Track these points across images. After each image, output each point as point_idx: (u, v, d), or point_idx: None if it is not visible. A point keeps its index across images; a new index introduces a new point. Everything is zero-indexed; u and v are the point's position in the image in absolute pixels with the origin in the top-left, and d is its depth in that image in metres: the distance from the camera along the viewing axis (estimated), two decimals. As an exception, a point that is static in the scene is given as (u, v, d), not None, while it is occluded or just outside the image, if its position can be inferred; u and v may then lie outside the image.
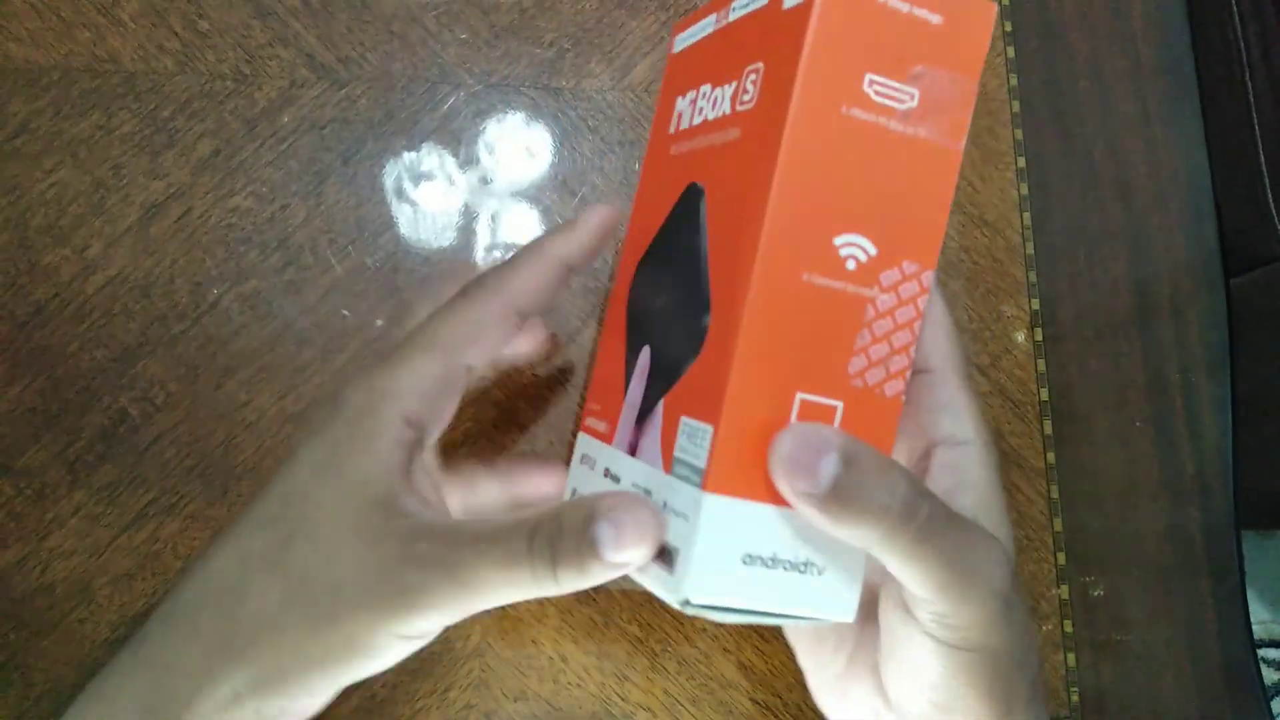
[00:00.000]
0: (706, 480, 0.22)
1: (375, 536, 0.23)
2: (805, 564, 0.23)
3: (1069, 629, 0.41)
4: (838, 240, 0.23)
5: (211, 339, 0.41)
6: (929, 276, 0.24)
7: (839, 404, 0.23)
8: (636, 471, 0.26)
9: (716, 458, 0.22)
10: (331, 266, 0.42)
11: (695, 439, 0.23)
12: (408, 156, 0.43)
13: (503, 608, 0.39)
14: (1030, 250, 0.45)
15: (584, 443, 0.30)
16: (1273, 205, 0.68)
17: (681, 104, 0.29)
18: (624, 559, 0.22)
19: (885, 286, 0.23)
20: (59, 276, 0.41)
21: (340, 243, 0.42)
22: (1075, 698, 0.40)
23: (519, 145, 0.44)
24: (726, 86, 0.26)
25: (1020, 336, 0.44)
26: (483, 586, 0.22)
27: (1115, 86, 0.47)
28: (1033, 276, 0.44)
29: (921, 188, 0.23)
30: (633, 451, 0.26)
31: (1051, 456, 0.43)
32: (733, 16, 0.26)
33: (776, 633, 0.39)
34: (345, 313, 0.42)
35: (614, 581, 0.39)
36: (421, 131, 0.44)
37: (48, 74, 0.43)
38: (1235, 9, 0.71)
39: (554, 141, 0.44)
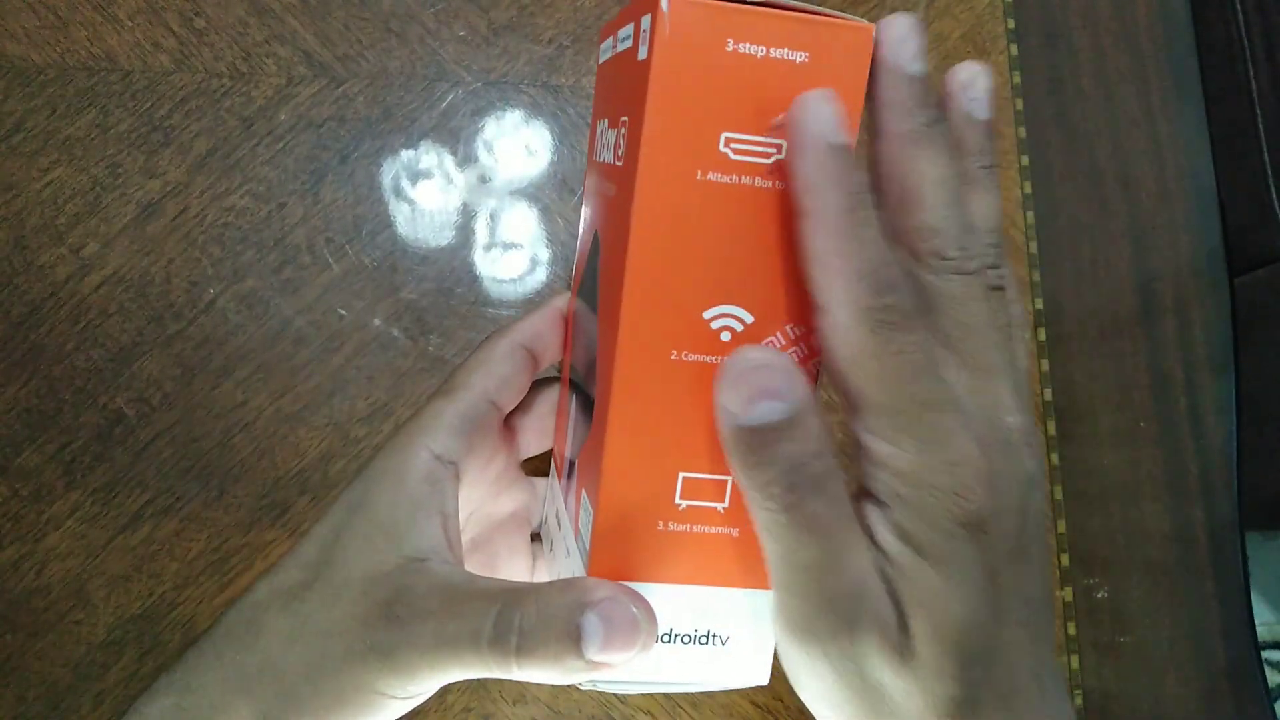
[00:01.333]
0: (590, 565, 0.21)
1: (376, 584, 0.23)
2: (708, 635, 0.22)
3: (1072, 631, 0.41)
4: (708, 314, 0.20)
5: (208, 339, 0.41)
6: (806, 340, 0.21)
7: (728, 479, 0.21)
8: (567, 528, 0.25)
9: (597, 543, 0.21)
10: (329, 265, 0.42)
11: (586, 518, 0.22)
12: (406, 154, 0.43)
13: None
14: (1033, 249, 0.45)
15: (552, 471, 0.30)
16: (1276, 203, 0.67)
17: (599, 130, 0.26)
18: (607, 660, 0.20)
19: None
20: (55, 276, 0.41)
21: (338, 242, 0.42)
22: (1079, 700, 0.40)
23: (518, 143, 0.44)
24: (613, 131, 0.23)
25: (1023, 336, 0.43)
26: (439, 670, 0.22)
27: (1118, 85, 0.47)
28: (1036, 275, 0.44)
29: (771, 239, 0.20)
30: (565, 502, 0.26)
31: (1055, 457, 0.42)
32: (619, 47, 0.23)
33: (777, 635, 0.39)
34: (342, 312, 0.41)
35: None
36: (419, 129, 0.43)
37: (44, 72, 0.42)
38: (1239, 7, 0.71)
39: (553, 139, 0.44)
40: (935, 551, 0.19)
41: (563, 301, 0.29)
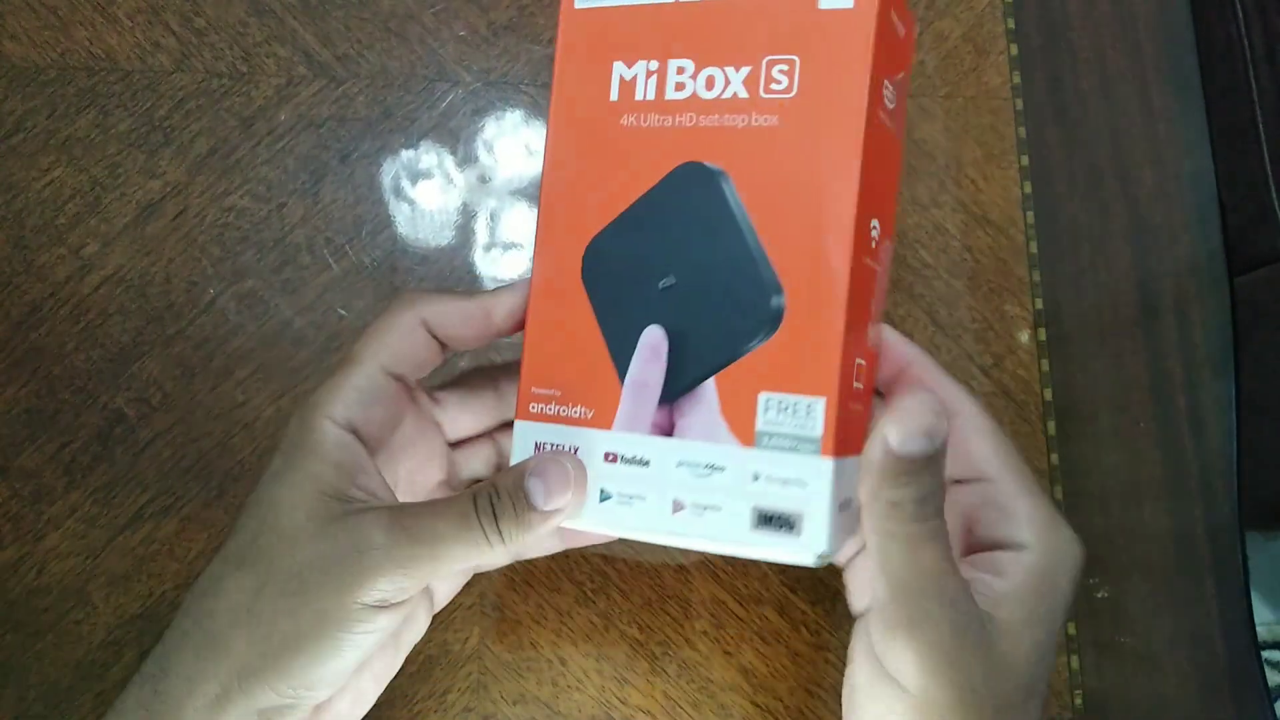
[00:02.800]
0: (826, 447, 0.25)
1: (331, 518, 0.25)
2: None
3: (1072, 630, 0.41)
4: (872, 224, 0.26)
5: (208, 339, 0.41)
6: (891, 243, 0.28)
7: (864, 362, 0.27)
8: (682, 450, 0.26)
9: (831, 426, 0.25)
10: (329, 265, 0.42)
11: (796, 412, 0.25)
12: (405, 154, 0.43)
13: (500, 610, 0.38)
14: (1034, 249, 0.45)
15: (542, 430, 0.29)
16: (1277, 203, 0.67)
17: (626, 72, 0.28)
18: (554, 507, 0.26)
19: (882, 260, 0.27)
20: (55, 276, 0.41)
21: (337, 242, 0.42)
22: (1079, 700, 0.40)
23: (517, 143, 0.44)
24: (733, 70, 0.27)
25: (1024, 336, 0.43)
26: (439, 543, 0.25)
27: (1118, 85, 0.47)
28: (1036, 276, 0.44)
29: (891, 172, 0.28)
30: (667, 431, 0.27)
31: (1055, 457, 0.42)
32: None
33: (777, 635, 0.39)
34: (342, 312, 0.41)
35: (614, 583, 0.39)
36: (419, 129, 0.43)
37: (44, 72, 0.42)
38: (1239, 7, 0.71)
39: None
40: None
41: (487, 298, 0.29)
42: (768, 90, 0.26)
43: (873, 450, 0.24)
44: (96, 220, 0.41)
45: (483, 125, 0.44)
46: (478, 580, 0.39)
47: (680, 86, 0.27)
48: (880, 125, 0.26)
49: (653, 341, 0.27)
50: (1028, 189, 0.45)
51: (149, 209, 0.42)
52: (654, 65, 0.28)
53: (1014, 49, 0.47)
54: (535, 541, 0.28)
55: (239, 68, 0.43)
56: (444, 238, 0.42)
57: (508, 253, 0.43)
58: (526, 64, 0.45)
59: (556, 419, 0.28)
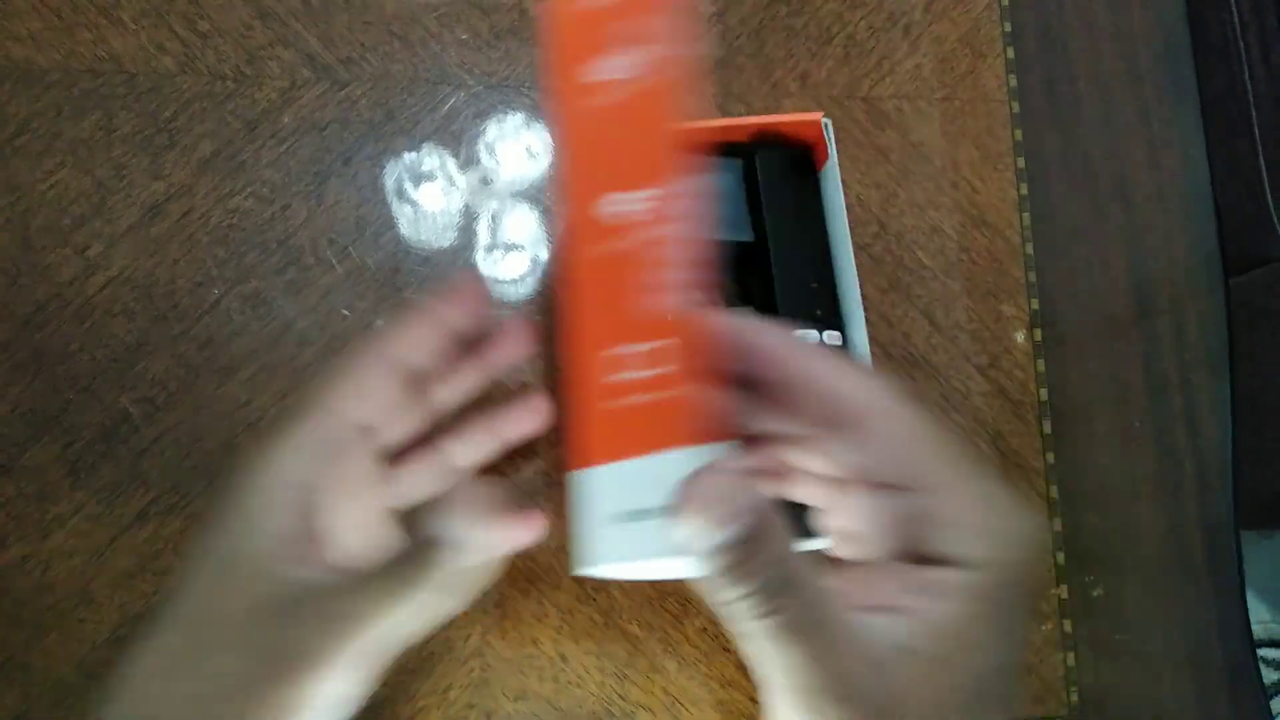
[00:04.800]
0: (575, 460, 0.22)
1: (270, 614, 0.24)
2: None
3: (1069, 628, 0.41)
4: (605, 200, 0.23)
5: (212, 339, 0.41)
6: (676, 192, 0.24)
7: (652, 345, 0.23)
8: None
9: (575, 432, 0.22)
10: (332, 267, 0.42)
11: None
12: (408, 157, 0.43)
13: (501, 606, 0.39)
14: (1030, 250, 0.45)
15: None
16: (1272, 204, 0.68)
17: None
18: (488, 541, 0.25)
19: (660, 222, 0.23)
20: (60, 276, 0.41)
21: (341, 243, 0.42)
22: (1074, 697, 0.40)
23: (519, 146, 0.44)
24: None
25: (1020, 336, 0.44)
26: (371, 621, 0.24)
27: (1114, 87, 0.47)
28: (1032, 276, 0.45)
29: (644, 136, 0.24)
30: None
31: (1051, 456, 0.43)
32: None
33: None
34: (345, 313, 0.42)
35: (614, 581, 0.39)
36: (422, 132, 0.44)
37: (49, 74, 0.43)
38: (1234, 9, 0.71)
39: (555, 142, 0.44)
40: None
41: (443, 310, 0.28)
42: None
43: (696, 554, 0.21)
44: (101, 221, 0.42)
45: (485, 128, 0.44)
46: (479, 578, 0.39)
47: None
48: (588, 107, 0.24)
49: None
50: (1024, 191, 0.46)
51: (154, 210, 0.42)
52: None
53: (1011, 52, 0.47)
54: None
55: (243, 70, 0.44)
56: (446, 239, 0.43)
57: (509, 254, 0.43)
58: (529, 67, 0.45)
59: None
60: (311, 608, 0.24)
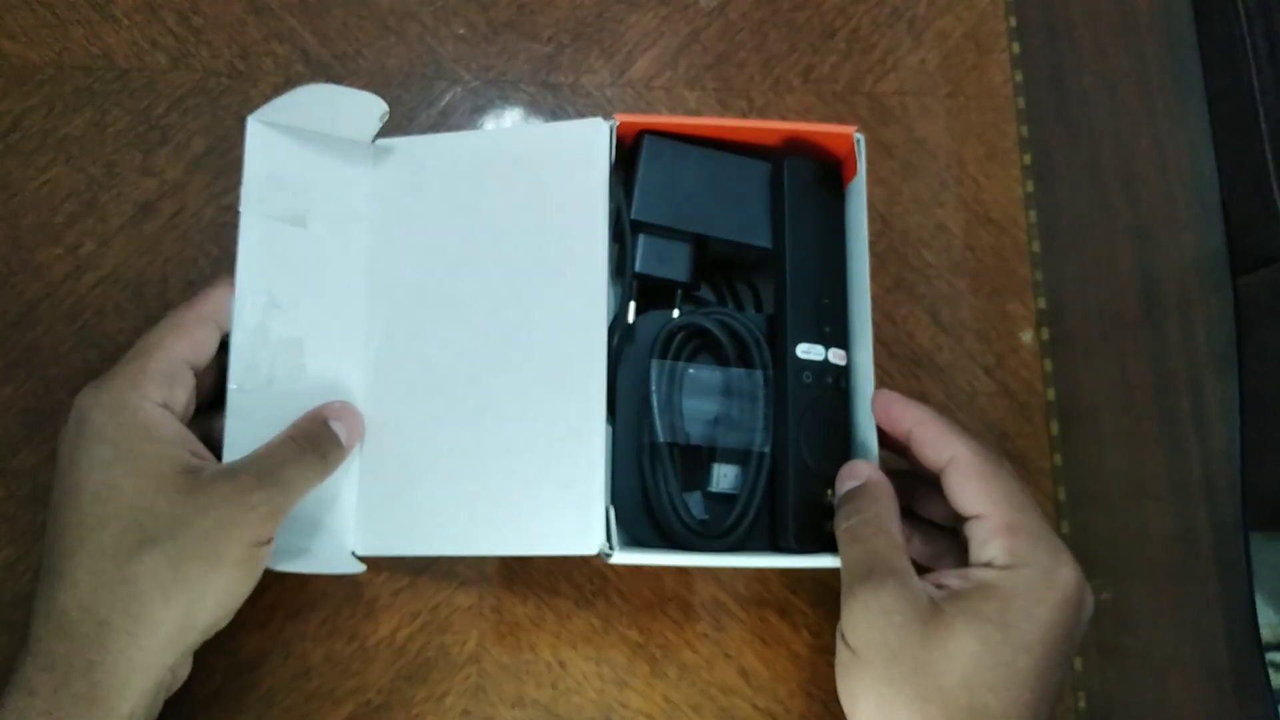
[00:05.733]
0: None
1: (190, 489, 0.29)
2: None
3: (1075, 632, 0.41)
4: None
5: (206, 339, 0.40)
6: None
7: None
8: None
9: None
10: (327, 265, 0.41)
11: None
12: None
13: (499, 612, 0.38)
14: (1036, 248, 0.44)
15: None
16: (1279, 202, 0.67)
17: None
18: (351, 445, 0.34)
19: None
20: (51, 275, 0.40)
21: (336, 241, 0.42)
22: (1082, 702, 0.40)
23: (517, 142, 0.44)
24: None
25: (1026, 336, 0.43)
26: (293, 483, 0.31)
27: (1121, 83, 0.47)
28: (1039, 275, 0.44)
29: None
30: None
31: (1058, 458, 0.42)
32: None
33: (778, 637, 0.39)
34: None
35: (613, 585, 0.39)
36: (418, 127, 0.43)
37: (40, 71, 0.42)
38: (1241, 6, 0.71)
39: None
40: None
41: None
42: None
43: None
44: (93, 219, 0.41)
45: (482, 123, 0.44)
46: (476, 583, 0.38)
47: None
48: None
49: None
50: (1030, 187, 0.45)
51: (146, 208, 0.41)
52: None
53: (1016, 47, 0.47)
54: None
55: (237, 66, 0.43)
56: (443, 237, 0.42)
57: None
58: (526, 62, 0.44)
59: None
60: (247, 479, 0.30)
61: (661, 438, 0.33)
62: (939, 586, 0.29)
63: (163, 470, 0.29)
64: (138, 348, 0.32)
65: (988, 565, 0.29)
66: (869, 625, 0.28)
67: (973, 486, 0.30)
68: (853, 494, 0.31)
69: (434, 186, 0.36)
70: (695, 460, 0.34)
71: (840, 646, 0.29)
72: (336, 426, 0.33)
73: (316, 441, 0.32)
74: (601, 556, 0.31)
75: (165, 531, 0.29)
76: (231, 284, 0.33)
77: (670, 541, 0.33)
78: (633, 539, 0.33)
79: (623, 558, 0.31)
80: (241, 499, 0.29)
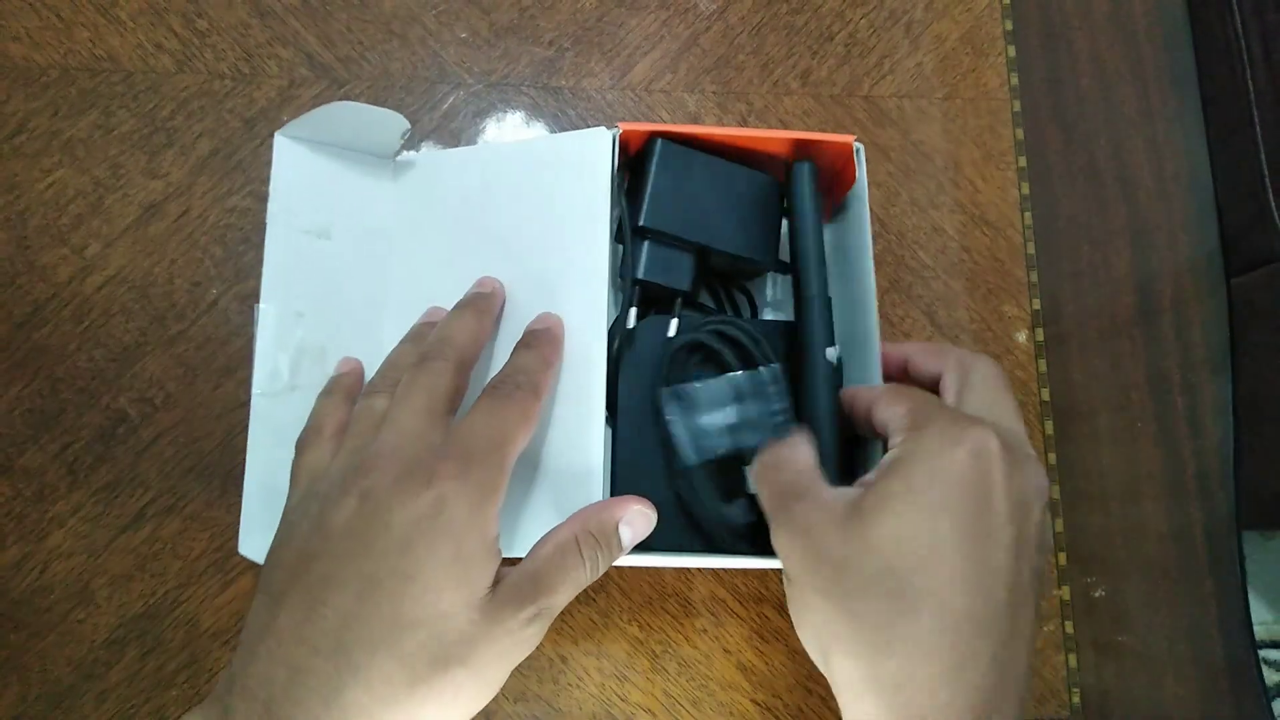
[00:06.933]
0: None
1: (486, 614, 0.26)
2: None
3: (1070, 629, 0.41)
4: None
5: (210, 339, 0.41)
6: None
7: None
8: None
9: None
10: (331, 266, 0.42)
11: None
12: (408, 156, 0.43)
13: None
14: (1031, 250, 0.45)
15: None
16: (1274, 204, 0.68)
17: None
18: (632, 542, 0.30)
19: None
20: (57, 276, 0.41)
21: (339, 242, 0.42)
22: (1076, 698, 0.40)
23: (519, 144, 0.44)
24: None
25: (1021, 336, 0.44)
26: (559, 593, 0.28)
27: (1116, 85, 0.47)
28: (1034, 276, 0.44)
29: None
30: None
31: (1053, 457, 0.43)
32: None
33: (777, 633, 0.39)
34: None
35: (614, 581, 0.39)
36: (421, 130, 0.44)
37: (46, 73, 0.43)
38: (1236, 7, 0.71)
39: None
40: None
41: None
42: None
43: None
44: (99, 221, 0.41)
45: (484, 127, 0.44)
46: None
47: None
48: None
49: None
50: (1026, 190, 0.45)
51: (151, 209, 0.42)
52: None
53: (1012, 51, 0.47)
54: None
55: (241, 69, 0.43)
56: (445, 238, 0.43)
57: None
58: (528, 66, 0.45)
59: None
60: (520, 597, 0.27)
61: (693, 461, 0.33)
62: (860, 488, 0.28)
63: (479, 587, 0.26)
64: (500, 432, 0.29)
65: (890, 444, 0.28)
66: (790, 548, 0.27)
67: (959, 384, 0.31)
68: (758, 450, 0.31)
69: (448, 200, 0.37)
70: (730, 466, 0.34)
71: (785, 587, 0.29)
72: (624, 532, 0.30)
73: (599, 548, 0.29)
74: None
75: (460, 656, 0.25)
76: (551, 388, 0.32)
77: (722, 549, 0.33)
78: (675, 545, 0.33)
79: (622, 559, 0.31)
80: (521, 631, 0.27)
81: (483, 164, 0.37)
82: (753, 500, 0.31)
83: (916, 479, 0.26)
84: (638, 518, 0.30)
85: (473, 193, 0.36)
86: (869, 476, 0.27)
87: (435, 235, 0.37)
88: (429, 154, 0.38)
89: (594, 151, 0.34)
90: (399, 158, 0.38)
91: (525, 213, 0.35)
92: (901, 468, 0.26)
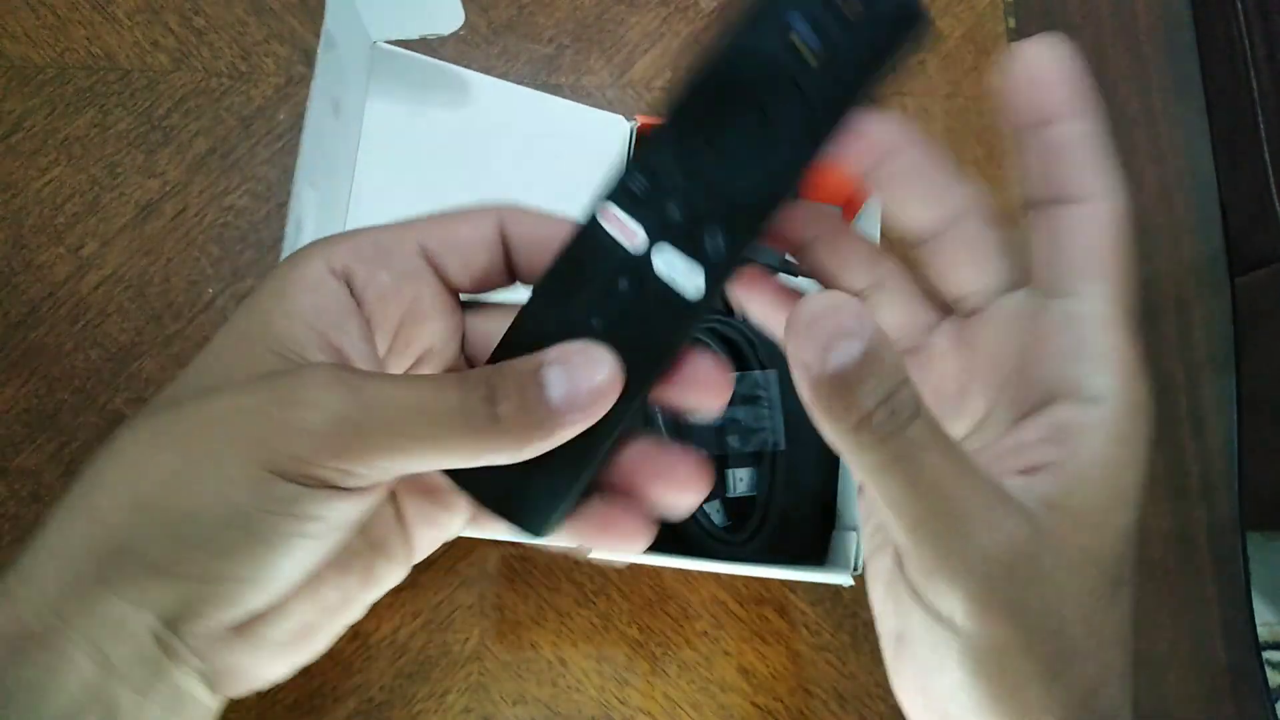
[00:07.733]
0: None
1: (268, 370, 0.19)
2: None
3: (1073, 631, 0.41)
4: None
5: (207, 338, 0.40)
6: None
7: None
8: None
9: None
10: (329, 265, 0.42)
11: None
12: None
13: (500, 610, 0.38)
14: (1034, 249, 0.45)
15: None
16: (1278, 204, 0.67)
17: None
18: (571, 412, 0.18)
19: None
20: (54, 275, 0.41)
21: (337, 241, 0.42)
22: (1079, 701, 0.40)
23: (518, 143, 0.44)
24: None
25: (1024, 336, 0.43)
26: (405, 418, 0.18)
27: (1119, 85, 0.47)
28: (1036, 276, 0.44)
29: None
30: None
31: (1055, 457, 0.42)
32: None
33: (777, 635, 0.39)
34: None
35: (614, 584, 0.39)
36: (420, 129, 0.43)
37: (43, 71, 0.42)
38: (1239, 7, 0.71)
39: None
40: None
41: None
42: None
43: (799, 388, 0.17)
44: (95, 220, 0.41)
45: (483, 125, 0.44)
46: (477, 581, 0.38)
47: None
48: None
49: None
50: (1028, 189, 0.45)
51: (148, 208, 0.42)
52: None
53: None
54: (528, 450, 0.18)
55: (238, 67, 0.43)
56: (444, 237, 0.42)
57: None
58: (527, 63, 0.44)
59: None
60: (327, 374, 0.18)
61: None
62: (1026, 472, 0.19)
63: (255, 339, 0.20)
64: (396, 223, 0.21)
65: (1091, 402, 0.19)
66: (983, 615, 0.18)
67: (1082, 240, 0.20)
68: (860, 376, 0.17)
69: (453, 120, 0.35)
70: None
71: (922, 621, 0.19)
72: (553, 375, 0.18)
73: (497, 390, 0.18)
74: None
75: (175, 404, 0.19)
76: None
77: (696, 550, 0.33)
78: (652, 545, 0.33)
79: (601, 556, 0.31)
80: (300, 402, 0.18)
81: (500, 96, 0.36)
82: (728, 502, 0.29)
83: (1126, 481, 0.19)
84: (574, 356, 0.19)
85: (476, 120, 0.36)
86: (1061, 459, 0.19)
87: (416, 150, 0.36)
88: (455, 69, 0.37)
89: (608, 136, 0.34)
90: (394, 49, 0.37)
91: (523, 164, 0.35)
92: (1125, 468, 0.19)
